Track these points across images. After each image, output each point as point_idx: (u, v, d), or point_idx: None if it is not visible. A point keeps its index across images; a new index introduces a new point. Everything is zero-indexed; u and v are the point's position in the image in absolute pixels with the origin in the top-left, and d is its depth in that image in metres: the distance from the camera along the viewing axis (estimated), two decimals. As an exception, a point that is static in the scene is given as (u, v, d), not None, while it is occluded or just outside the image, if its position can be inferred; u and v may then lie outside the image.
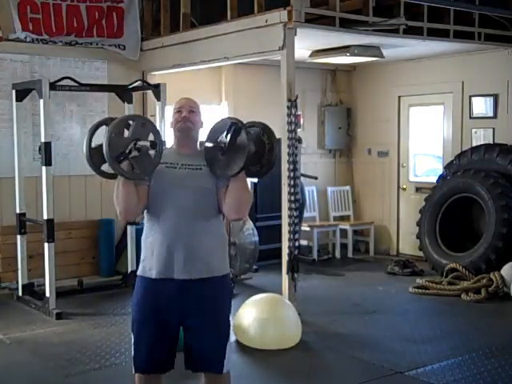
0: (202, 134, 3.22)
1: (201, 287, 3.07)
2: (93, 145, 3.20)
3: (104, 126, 3.10)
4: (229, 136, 3.00)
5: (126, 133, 2.99)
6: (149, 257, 3.11)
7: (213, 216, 3.12)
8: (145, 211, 3.15)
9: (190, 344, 3.13)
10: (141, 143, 2.93)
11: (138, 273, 3.17)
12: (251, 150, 3.05)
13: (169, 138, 3.33)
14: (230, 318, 3.25)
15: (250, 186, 3.31)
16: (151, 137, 3.04)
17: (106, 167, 3.13)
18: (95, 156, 3.09)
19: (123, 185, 2.99)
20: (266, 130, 3.19)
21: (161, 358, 3.13)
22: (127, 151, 2.91)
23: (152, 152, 2.97)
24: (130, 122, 3.00)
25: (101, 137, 3.03)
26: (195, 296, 3.07)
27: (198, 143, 3.13)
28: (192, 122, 3.16)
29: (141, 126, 3.00)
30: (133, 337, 3.18)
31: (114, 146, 2.90)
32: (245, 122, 3.19)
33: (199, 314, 3.09)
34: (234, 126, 3.02)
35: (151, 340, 3.09)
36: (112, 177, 3.14)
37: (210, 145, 3.06)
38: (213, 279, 3.10)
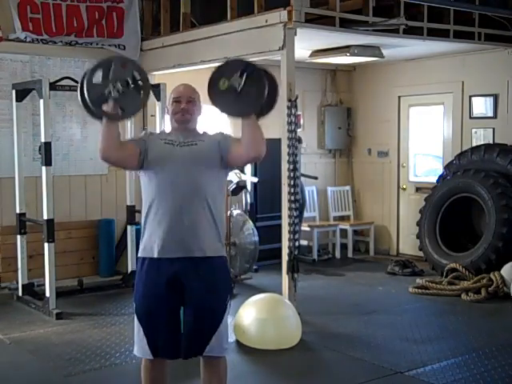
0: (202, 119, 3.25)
1: (199, 265, 3.12)
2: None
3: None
4: (244, 77, 2.96)
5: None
6: (148, 236, 3.16)
7: (212, 193, 3.15)
8: (142, 190, 3.21)
9: (188, 326, 3.15)
10: (120, 83, 2.97)
11: (140, 254, 3.22)
12: (265, 92, 3.02)
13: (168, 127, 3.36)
14: (229, 304, 3.27)
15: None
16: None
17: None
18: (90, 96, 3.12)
19: (106, 125, 3.05)
20: (267, 73, 3.18)
21: (173, 340, 3.16)
22: (106, 93, 2.96)
23: (140, 92, 3.03)
24: (112, 65, 3.02)
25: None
26: (194, 274, 3.11)
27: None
28: (191, 113, 3.18)
29: (121, 67, 3.02)
30: (139, 323, 3.20)
31: (92, 90, 2.98)
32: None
33: (198, 291, 3.12)
34: (250, 67, 3.00)
35: (161, 323, 3.14)
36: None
37: (224, 87, 3.00)
38: (210, 259, 3.15)
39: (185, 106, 3.16)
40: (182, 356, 3.21)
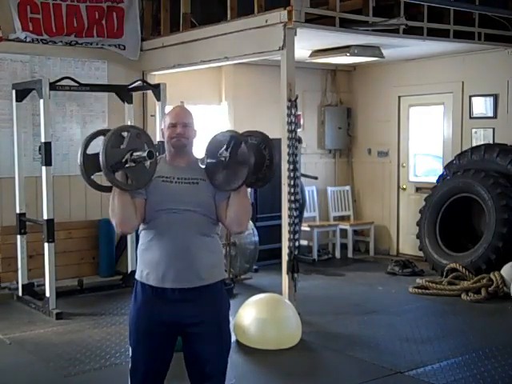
0: (199, 147, 3.20)
1: (198, 295, 3.04)
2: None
3: (101, 136, 3.07)
4: (229, 150, 2.96)
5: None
6: (145, 267, 3.09)
7: (210, 231, 3.10)
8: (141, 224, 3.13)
9: (192, 354, 3.09)
10: (137, 154, 2.90)
11: (137, 277, 3.13)
12: (251, 163, 3.01)
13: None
14: (231, 319, 3.24)
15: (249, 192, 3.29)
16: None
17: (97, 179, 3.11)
18: (88, 165, 3.04)
19: (119, 196, 2.96)
20: (265, 141, 3.13)
21: (160, 370, 3.12)
22: (123, 161, 2.89)
23: (147, 163, 2.95)
24: (125, 134, 2.97)
25: (94, 147, 2.99)
26: (192, 304, 3.03)
27: (199, 160, 3.04)
28: (187, 138, 3.12)
29: (136, 137, 2.97)
30: (131, 349, 3.14)
31: (110, 155, 2.87)
32: (243, 129, 3.18)
33: (198, 321, 3.04)
34: (234, 139, 2.98)
35: (152, 353, 3.07)
36: (104, 189, 3.11)
37: (211, 161, 3.01)
38: (209, 286, 3.07)
39: (180, 131, 3.10)
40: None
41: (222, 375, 3.10)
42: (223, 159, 2.98)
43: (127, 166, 2.90)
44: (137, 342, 3.10)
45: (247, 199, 3.11)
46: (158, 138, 5.98)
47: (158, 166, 3.04)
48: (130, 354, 3.13)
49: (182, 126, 3.12)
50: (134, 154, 2.91)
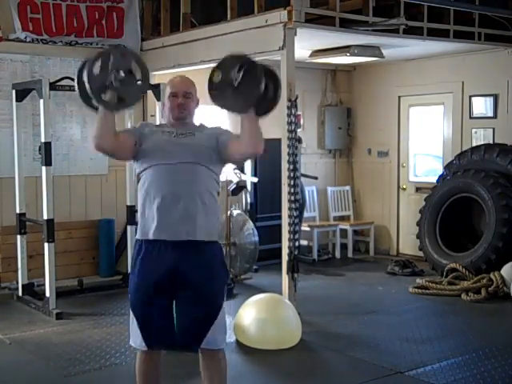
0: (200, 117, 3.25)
1: (196, 250, 3.10)
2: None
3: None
4: (242, 72, 2.96)
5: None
6: (145, 221, 3.16)
7: (207, 185, 3.15)
8: (138, 173, 3.20)
9: (185, 315, 3.13)
10: (120, 74, 2.94)
11: (137, 236, 3.23)
12: (262, 88, 3.01)
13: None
14: (225, 305, 3.26)
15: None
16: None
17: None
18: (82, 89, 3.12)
19: (103, 114, 3.03)
20: (268, 71, 3.14)
21: (168, 330, 3.15)
22: (107, 83, 2.94)
23: (137, 80, 3.00)
24: (111, 56, 3.00)
25: None
26: (192, 260, 3.10)
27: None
28: (188, 110, 3.17)
29: (120, 56, 3.00)
30: (133, 314, 3.20)
31: (93, 79, 2.95)
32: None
33: (191, 277, 3.10)
34: (248, 62, 3.00)
35: (155, 314, 3.12)
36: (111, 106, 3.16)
37: (223, 81, 3.00)
38: (205, 244, 3.14)
39: (182, 102, 3.15)
40: (178, 348, 3.21)
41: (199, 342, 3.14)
42: (234, 81, 2.97)
43: (114, 86, 2.94)
44: (136, 286, 3.18)
45: (258, 124, 3.09)
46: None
47: (158, 124, 3.13)
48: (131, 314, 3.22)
49: (182, 96, 3.15)
50: (118, 74, 2.94)
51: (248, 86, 2.97)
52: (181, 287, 3.13)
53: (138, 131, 3.24)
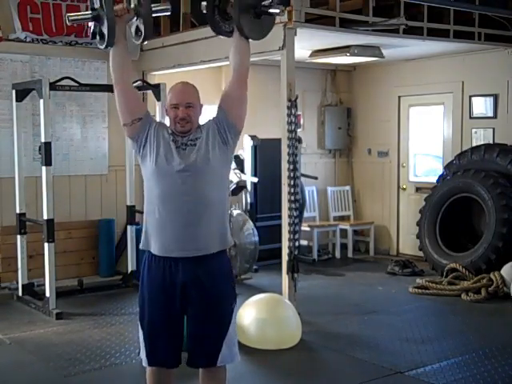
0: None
1: (198, 265, 3.05)
2: None
3: None
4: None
5: None
6: (149, 235, 3.10)
7: (213, 192, 3.07)
8: (145, 185, 3.14)
9: (196, 334, 3.09)
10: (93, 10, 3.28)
11: (142, 247, 3.14)
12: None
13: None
14: (235, 306, 3.22)
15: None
16: None
17: None
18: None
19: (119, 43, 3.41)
20: None
21: (173, 349, 3.12)
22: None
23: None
24: None
25: None
26: (194, 274, 3.04)
27: None
28: (191, 122, 3.08)
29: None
30: (141, 329, 3.15)
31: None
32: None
33: (198, 293, 3.05)
34: None
35: (163, 332, 3.08)
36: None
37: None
38: (209, 256, 3.08)
39: (184, 115, 3.06)
40: (192, 366, 3.15)
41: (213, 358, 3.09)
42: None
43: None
44: (146, 302, 3.12)
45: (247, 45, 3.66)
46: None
47: (166, 126, 3.15)
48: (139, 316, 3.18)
49: (184, 108, 3.07)
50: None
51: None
52: (190, 304, 3.07)
53: (148, 117, 3.17)
